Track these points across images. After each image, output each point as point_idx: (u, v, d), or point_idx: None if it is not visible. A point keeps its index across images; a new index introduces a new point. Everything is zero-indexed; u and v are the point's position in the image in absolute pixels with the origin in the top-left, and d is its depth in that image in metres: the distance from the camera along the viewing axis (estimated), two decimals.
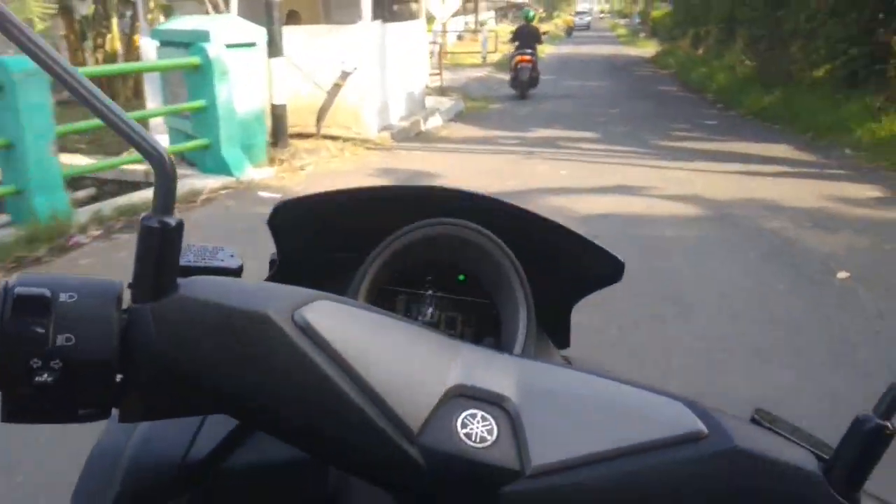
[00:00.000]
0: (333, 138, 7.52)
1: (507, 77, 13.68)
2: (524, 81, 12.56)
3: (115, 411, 0.40)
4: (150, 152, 0.39)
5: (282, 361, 0.40)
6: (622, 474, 0.41)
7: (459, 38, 26.59)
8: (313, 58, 7.71)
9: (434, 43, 15.73)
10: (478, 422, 0.42)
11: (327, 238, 0.81)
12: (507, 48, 18.43)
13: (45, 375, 0.36)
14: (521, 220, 0.77)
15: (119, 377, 0.39)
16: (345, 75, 7.00)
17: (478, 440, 0.41)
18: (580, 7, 67.24)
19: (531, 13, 14.32)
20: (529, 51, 12.55)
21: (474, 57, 20.78)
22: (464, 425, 0.41)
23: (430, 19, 14.92)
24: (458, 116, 10.80)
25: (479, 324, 0.80)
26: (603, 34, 46.31)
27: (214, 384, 0.40)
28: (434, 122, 9.84)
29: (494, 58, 21.16)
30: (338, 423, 0.40)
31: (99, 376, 0.38)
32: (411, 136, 8.83)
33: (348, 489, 0.59)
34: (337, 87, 6.99)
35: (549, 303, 0.79)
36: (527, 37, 12.87)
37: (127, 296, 0.40)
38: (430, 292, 0.81)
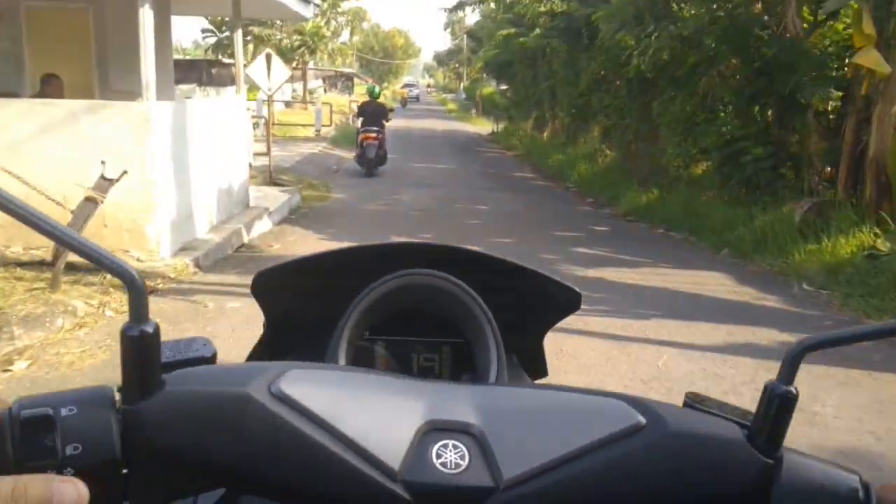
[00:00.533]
0: (90, 274, 4.53)
1: (345, 154, 13.25)
2: (371, 159, 12.14)
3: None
4: (118, 270, 0.41)
5: (266, 431, 0.44)
6: (581, 473, 0.46)
7: (287, 105, 24.19)
8: (56, 153, 4.89)
9: (258, 117, 13.21)
10: (450, 450, 0.46)
11: (308, 297, 0.87)
12: (340, 119, 16.91)
13: None
14: (482, 263, 0.85)
15: (125, 471, 0.42)
16: (104, 185, 4.10)
17: (453, 467, 0.45)
18: (406, 80, 67.89)
19: (376, 89, 13.93)
20: (375, 128, 12.11)
21: (307, 129, 18.46)
22: (438, 456, 0.46)
23: (254, 88, 12.39)
24: (294, 214, 8.32)
25: (456, 362, 0.87)
26: (433, 108, 46.49)
27: (210, 462, 0.44)
28: (261, 228, 7.21)
29: (329, 132, 19.00)
30: (325, 476, 0.44)
31: (108, 475, 0.42)
32: (227, 254, 6.11)
33: None
34: (90, 203, 4.03)
35: (518, 336, 0.86)
36: (373, 114, 12.42)
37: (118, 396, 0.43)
38: (408, 338, 0.88)
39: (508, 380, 0.78)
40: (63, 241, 0.40)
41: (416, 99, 51.70)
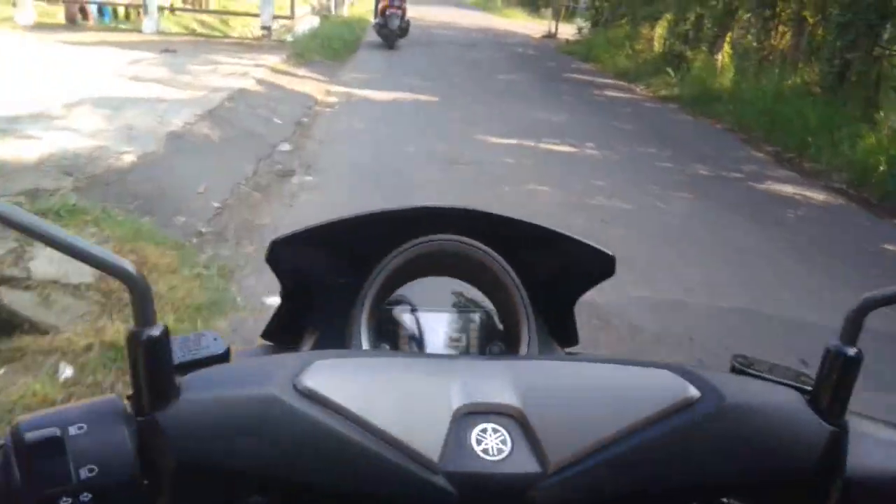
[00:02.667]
0: None
1: (324, 89, 7.59)
2: (393, 31, 10.98)
3: None
4: (117, 271, 0.39)
5: (296, 432, 0.41)
6: (632, 452, 0.43)
7: None
8: None
9: None
10: (490, 435, 0.43)
11: (327, 265, 0.80)
12: None
13: None
14: (509, 227, 0.78)
15: (145, 482, 0.40)
16: None
17: (495, 453, 0.43)
18: None
19: None
20: None
21: (245, 23, 9.93)
22: (478, 441, 0.43)
23: None
24: None
25: (484, 331, 0.80)
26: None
27: (238, 470, 0.41)
28: None
29: (291, 27, 10.40)
30: (362, 474, 0.42)
31: (128, 497, 0.39)
32: None
33: None
34: None
35: (549, 304, 0.81)
36: None
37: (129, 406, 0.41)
38: (433, 308, 0.80)
39: (539, 349, 0.74)
40: (61, 246, 0.38)
41: None
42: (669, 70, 9.75)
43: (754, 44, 9.41)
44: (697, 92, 8.72)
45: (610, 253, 0.77)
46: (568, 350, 0.85)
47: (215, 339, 0.51)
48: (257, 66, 7.24)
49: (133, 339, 0.40)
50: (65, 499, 0.37)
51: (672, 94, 9.10)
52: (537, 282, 0.77)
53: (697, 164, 5.80)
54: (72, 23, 9.61)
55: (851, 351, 0.44)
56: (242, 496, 0.43)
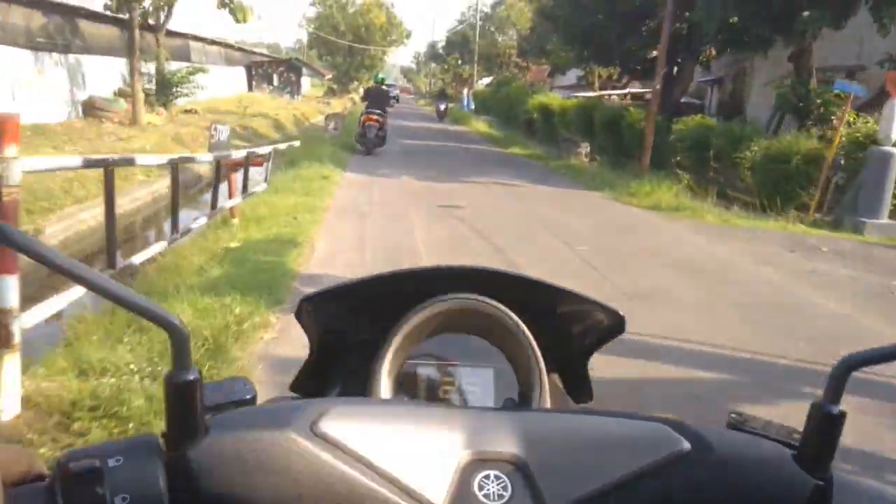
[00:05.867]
0: None
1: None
2: (370, 139, 12.77)
3: None
4: (161, 321, 0.42)
5: (310, 472, 0.43)
6: (627, 501, 0.45)
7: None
8: None
9: None
10: (492, 482, 0.46)
11: (351, 322, 0.84)
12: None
13: None
14: (525, 286, 0.81)
15: None
16: None
17: (496, 498, 0.45)
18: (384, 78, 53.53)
19: (381, 76, 14.60)
20: (378, 111, 12.82)
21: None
22: (480, 487, 0.45)
23: None
24: None
25: (500, 386, 0.81)
26: (442, 124, 25.27)
27: None
28: None
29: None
30: None
31: None
32: None
33: None
34: None
35: (564, 360, 0.84)
36: (376, 98, 13.07)
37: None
38: (451, 362, 0.82)
39: (552, 403, 0.76)
40: (106, 293, 0.40)
41: (395, 100, 34.55)
42: None
43: None
44: None
45: (620, 312, 0.79)
46: (582, 406, 0.87)
47: (245, 385, 0.53)
48: None
49: (169, 381, 0.43)
50: None
51: None
52: (550, 338, 0.79)
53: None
54: None
55: (835, 409, 0.46)
56: None
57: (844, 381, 0.45)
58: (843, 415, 0.45)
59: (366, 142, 12.75)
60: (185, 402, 0.43)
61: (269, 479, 0.43)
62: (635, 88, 22.09)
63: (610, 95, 20.43)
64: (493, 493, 0.45)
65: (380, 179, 9.94)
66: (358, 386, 0.75)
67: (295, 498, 0.43)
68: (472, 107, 29.71)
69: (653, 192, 9.49)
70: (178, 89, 15.84)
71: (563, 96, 20.83)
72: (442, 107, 27.37)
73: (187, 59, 20.81)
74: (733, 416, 0.52)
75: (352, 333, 0.83)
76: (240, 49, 28.63)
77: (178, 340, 0.42)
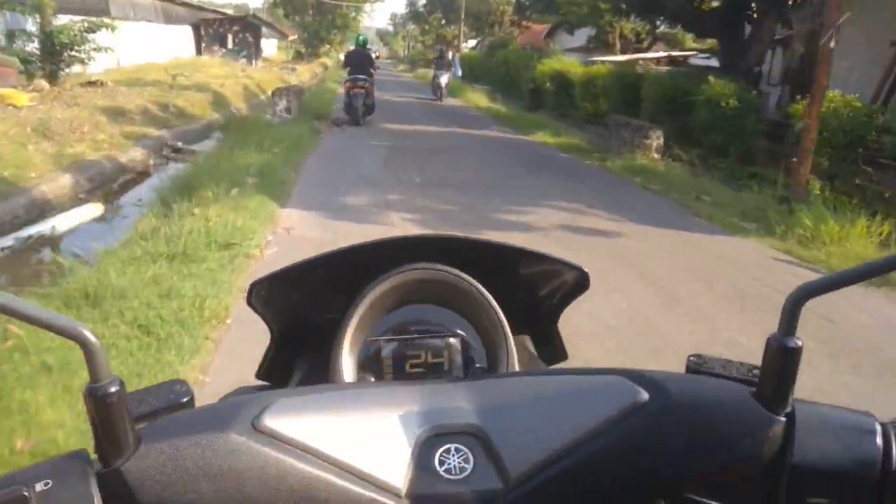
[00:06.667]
0: None
1: None
2: (357, 108, 11.67)
3: None
4: (71, 333, 0.40)
5: (255, 471, 0.41)
6: (590, 457, 0.45)
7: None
8: None
9: None
10: (452, 455, 0.45)
11: (308, 302, 0.81)
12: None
13: None
14: (484, 250, 0.79)
15: None
16: None
17: (458, 472, 0.44)
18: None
19: (362, 37, 13.46)
20: (363, 76, 11.65)
21: None
22: (441, 462, 0.45)
23: None
24: None
25: (467, 355, 0.78)
26: (438, 106, 17.13)
27: None
28: None
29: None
30: None
31: None
32: None
33: None
34: None
35: (532, 322, 0.82)
36: (359, 62, 11.96)
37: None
38: (414, 335, 0.78)
39: (522, 368, 0.74)
40: (6, 310, 0.38)
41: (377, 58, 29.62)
42: None
43: None
44: None
45: (584, 269, 0.78)
46: (556, 366, 0.85)
47: (181, 387, 0.49)
48: None
49: (89, 395, 0.41)
50: None
51: None
52: (518, 302, 0.78)
53: None
54: None
55: (791, 342, 0.45)
56: None
57: (798, 313, 0.45)
58: (799, 347, 0.45)
59: (352, 112, 11.71)
60: (109, 415, 0.41)
61: (214, 484, 0.41)
62: (660, 52, 17.95)
63: (643, 59, 16.14)
64: (455, 466, 0.45)
65: (346, 226, 5.16)
66: (322, 368, 0.72)
67: (245, 499, 0.41)
68: (460, 73, 24.79)
69: (844, 236, 5.39)
70: (72, 53, 11.22)
71: (582, 62, 16.50)
72: (443, 80, 17.96)
73: (105, 13, 15.99)
74: (692, 359, 0.52)
75: (313, 314, 0.80)
76: (184, 4, 23.52)
77: (91, 351, 0.40)
